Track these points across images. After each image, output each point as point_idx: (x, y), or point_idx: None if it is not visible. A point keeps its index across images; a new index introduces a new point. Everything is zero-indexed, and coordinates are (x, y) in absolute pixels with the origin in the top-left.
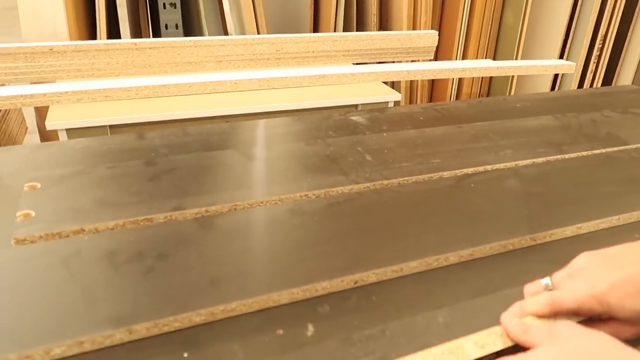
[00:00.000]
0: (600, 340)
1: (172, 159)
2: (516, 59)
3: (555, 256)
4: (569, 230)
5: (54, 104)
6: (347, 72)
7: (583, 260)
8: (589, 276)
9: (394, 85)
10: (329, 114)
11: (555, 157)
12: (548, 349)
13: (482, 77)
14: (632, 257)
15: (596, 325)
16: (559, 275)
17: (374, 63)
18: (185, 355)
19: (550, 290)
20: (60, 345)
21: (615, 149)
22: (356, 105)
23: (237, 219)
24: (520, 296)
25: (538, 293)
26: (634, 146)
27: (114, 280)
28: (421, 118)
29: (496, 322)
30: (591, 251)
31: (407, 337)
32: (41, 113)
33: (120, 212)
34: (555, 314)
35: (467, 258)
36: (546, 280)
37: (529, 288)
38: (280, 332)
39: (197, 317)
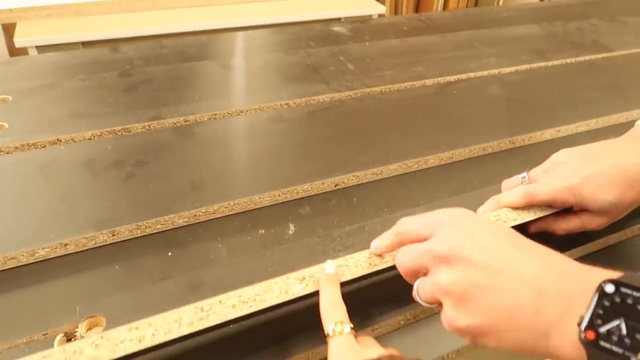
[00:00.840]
0: (495, 223)
1: (148, 71)
2: None
3: (534, 158)
4: (547, 134)
5: (21, 20)
6: None
7: (561, 155)
8: (565, 170)
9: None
10: (310, 26)
11: (538, 64)
12: (448, 227)
13: None
14: (608, 153)
15: (568, 217)
16: (535, 170)
17: None
18: (170, 254)
19: (527, 184)
20: (44, 248)
21: (600, 56)
22: (339, 19)
23: (216, 127)
24: (495, 195)
25: (515, 187)
26: (618, 53)
27: (94, 186)
28: (405, 28)
29: None
30: (569, 147)
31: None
32: (9, 31)
33: (96, 123)
34: (530, 206)
35: (446, 161)
36: (523, 175)
37: (506, 183)
38: (262, 231)
39: (179, 219)
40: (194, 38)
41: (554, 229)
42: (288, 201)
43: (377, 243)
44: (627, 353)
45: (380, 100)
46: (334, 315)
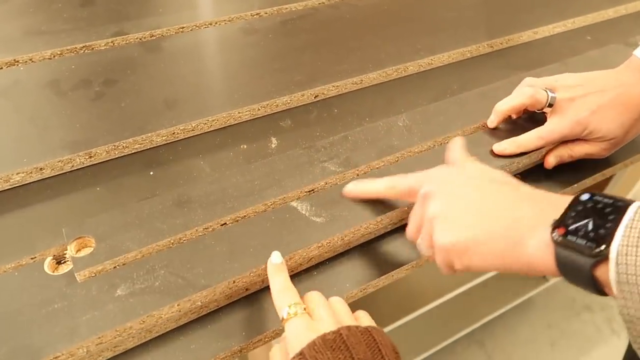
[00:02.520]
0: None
1: None
2: None
3: (513, 61)
4: (525, 36)
5: None
6: None
7: (567, 80)
8: (572, 106)
9: None
10: None
11: None
12: (444, 168)
13: None
14: (611, 83)
15: (577, 143)
16: (538, 85)
17: None
18: (151, 173)
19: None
20: (19, 172)
21: None
22: None
23: (186, 40)
24: (475, 99)
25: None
26: None
27: (63, 107)
28: None
29: (452, 124)
30: (573, 74)
31: (369, 139)
32: None
33: (54, 41)
34: (544, 146)
35: (426, 67)
36: (551, 96)
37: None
38: (244, 146)
39: (157, 137)
40: None
41: (564, 154)
42: (268, 115)
43: (362, 187)
44: (589, 244)
45: (356, 7)
46: (286, 299)
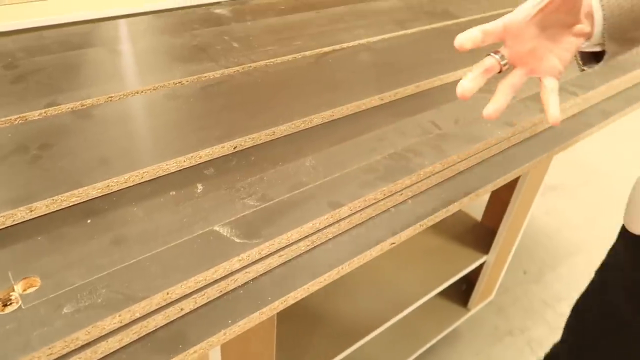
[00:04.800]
0: None
1: (35, 61)
2: None
3: (399, 110)
4: (409, 89)
5: None
6: None
7: None
8: None
9: None
10: (191, 10)
11: (400, 32)
12: None
13: None
14: None
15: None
16: None
17: None
18: (89, 221)
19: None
20: None
21: (449, 22)
22: (218, 2)
23: (115, 108)
24: (369, 140)
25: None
26: (464, 19)
27: (3, 171)
28: (282, 7)
29: (350, 161)
30: None
31: (282, 178)
32: None
33: None
34: None
35: (328, 119)
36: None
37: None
38: (173, 193)
39: (93, 190)
40: (75, 27)
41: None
42: (193, 166)
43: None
44: None
45: (266, 73)
46: None
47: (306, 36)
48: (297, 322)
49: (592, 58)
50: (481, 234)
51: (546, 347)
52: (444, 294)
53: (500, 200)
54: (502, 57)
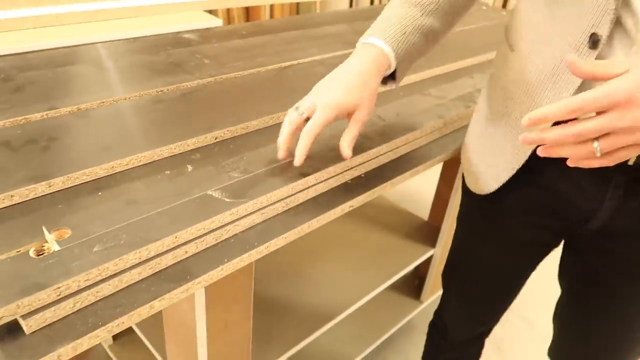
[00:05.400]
0: None
1: (28, 75)
2: None
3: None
4: None
5: None
6: (170, 2)
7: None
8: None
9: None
10: (163, 36)
11: (349, 50)
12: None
13: (290, 4)
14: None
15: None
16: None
17: None
18: (100, 194)
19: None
20: None
21: None
22: (181, 32)
23: (109, 110)
24: (329, 131)
25: None
26: None
27: (18, 157)
28: (244, 32)
29: (315, 144)
30: None
31: (259, 158)
32: None
33: None
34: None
35: None
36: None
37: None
38: (168, 172)
39: (100, 170)
40: (56, 51)
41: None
42: (182, 153)
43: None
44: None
45: (236, 82)
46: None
47: (267, 54)
48: (267, 313)
49: (388, 78)
50: (428, 231)
51: None
52: (398, 288)
53: (442, 200)
54: (302, 112)
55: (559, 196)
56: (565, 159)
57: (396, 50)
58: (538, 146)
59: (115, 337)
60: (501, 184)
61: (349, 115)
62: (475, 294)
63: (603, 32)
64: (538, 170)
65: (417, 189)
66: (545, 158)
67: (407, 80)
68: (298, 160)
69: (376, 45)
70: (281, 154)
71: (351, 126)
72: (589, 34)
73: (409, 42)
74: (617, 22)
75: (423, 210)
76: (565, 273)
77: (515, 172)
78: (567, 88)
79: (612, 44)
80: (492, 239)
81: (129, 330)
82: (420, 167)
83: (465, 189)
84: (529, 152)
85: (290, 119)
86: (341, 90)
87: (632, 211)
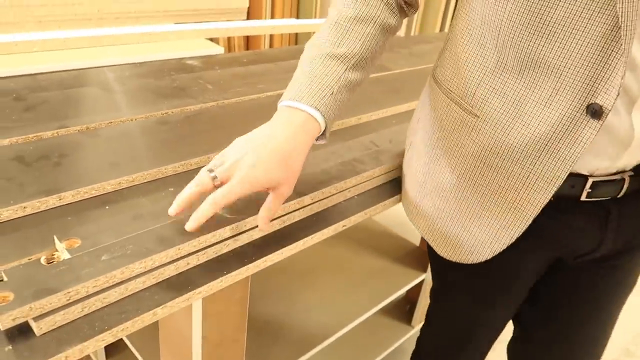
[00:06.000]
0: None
1: (39, 96)
2: (315, 17)
3: (346, 134)
4: (352, 120)
5: None
6: (174, 30)
7: (227, 150)
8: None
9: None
10: (166, 62)
11: None
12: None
13: (290, 33)
14: (263, 137)
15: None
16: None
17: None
18: (107, 207)
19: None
20: (7, 210)
21: (383, 73)
22: (184, 59)
23: (116, 130)
24: (325, 155)
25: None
26: (397, 71)
27: (31, 173)
28: (245, 60)
29: (310, 166)
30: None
31: None
32: None
33: (8, 133)
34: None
35: None
36: (212, 175)
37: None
38: (172, 189)
39: (108, 185)
40: (65, 73)
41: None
42: (185, 171)
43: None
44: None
45: (238, 107)
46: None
47: (267, 81)
48: (259, 334)
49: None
50: (419, 256)
51: None
52: (389, 313)
53: None
54: (215, 177)
55: (560, 242)
56: (561, 208)
57: (326, 114)
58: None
59: (108, 354)
60: (495, 254)
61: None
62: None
63: (605, 102)
64: (536, 228)
65: None
66: (543, 213)
67: (399, 109)
68: (191, 226)
69: (305, 111)
70: (173, 210)
71: (273, 201)
72: (586, 105)
73: (337, 101)
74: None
75: (414, 235)
76: (546, 288)
77: (512, 241)
78: (569, 158)
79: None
80: (494, 303)
81: (123, 346)
82: None
83: (435, 256)
84: (530, 219)
85: (201, 180)
86: (266, 164)
87: (629, 234)
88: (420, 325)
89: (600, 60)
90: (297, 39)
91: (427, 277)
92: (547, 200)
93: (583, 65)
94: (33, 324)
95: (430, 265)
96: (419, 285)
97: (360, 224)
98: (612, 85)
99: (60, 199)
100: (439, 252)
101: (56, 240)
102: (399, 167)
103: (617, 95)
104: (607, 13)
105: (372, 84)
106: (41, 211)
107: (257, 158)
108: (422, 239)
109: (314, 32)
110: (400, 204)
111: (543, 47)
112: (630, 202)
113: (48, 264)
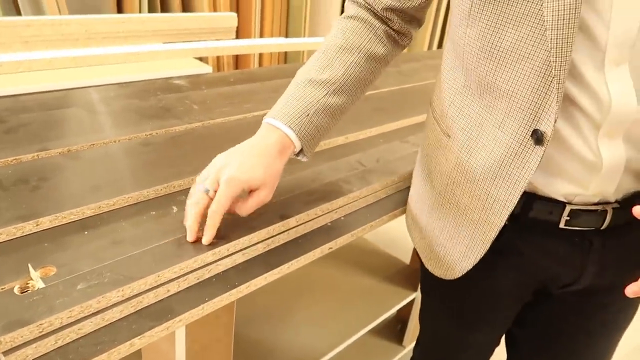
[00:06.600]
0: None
1: (21, 117)
2: (304, 36)
3: (333, 154)
4: (340, 140)
5: None
6: (161, 49)
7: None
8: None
9: (201, 60)
10: (153, 82)
11: None
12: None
13: (279, 52)
14: (245, 144)
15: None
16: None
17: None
18: (86, 233)
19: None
20: None
21: (374, 92)
22: (171, 78)
23: (99, 152)
24: (311, 175)
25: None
26: (385, 89)
27: (8, 197)
28: (232, 80)
29: (296, 187)
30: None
31: None
32: None
33: None
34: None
35: None
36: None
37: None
38: (153, 212)
39: (87, 210)
40: (49, 94)
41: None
42: (168, 194)
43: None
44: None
45: (224, 127)
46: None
47: (255, 101)
48: (247, 357)
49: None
50: (410, 275)
51: None
52: (380, 333)
53: None
54: (207, 190)
55: (540, 268)
56: (541, 232)
57: (299, 133)
58: (504, 229)
59: None
60: (465, 272)
61: (250, 192)
62: None
63: (546, 128)
64: (515, 252)
65: (399, 232)
66: (522, 237)
67: (387, 128)
68: (207, 239)
69: (280, 129)
70: (192, 237)
71: (250, 200)
72: (532, 131)
73: (313, 123)
74: (571, 107)
75: (404, 253)
76: (534, 315)
77: (477, 261)
78: (518, 182)
79: (564, 134)
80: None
81: None
82: (398, 211)
83: (425, 272)
84: (488, 243)
85: (197, 199)
86: (247, 166)
87: (613, 269)
88: (412, 345)
89: (542, 87)
90: (287, 58)
91: (417, 296)
92: (502, 223)
93: (529, 90)
94: (2, 359)
95: (420, 284)
96: (410, 304)
97: (349, 243)
98: (551, 112)
99: (37, 225)
100: (425, 264)
101: (30, 269)
102: (386, 187)
103: (554, 122)
104: (544, 40)
105: (359, 103)
106: (17, 237)
107: (238, 162)
108: (413, 258)
109: (302, 51)
110: (390, 222)
111: (496, 71)
112: (615, 236)
113: (22, 293)
